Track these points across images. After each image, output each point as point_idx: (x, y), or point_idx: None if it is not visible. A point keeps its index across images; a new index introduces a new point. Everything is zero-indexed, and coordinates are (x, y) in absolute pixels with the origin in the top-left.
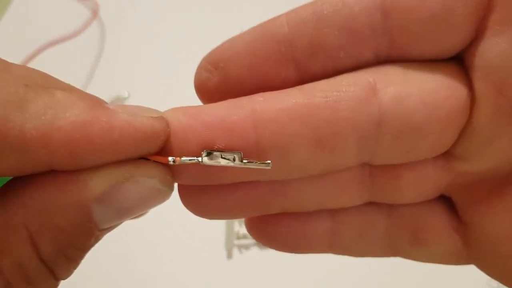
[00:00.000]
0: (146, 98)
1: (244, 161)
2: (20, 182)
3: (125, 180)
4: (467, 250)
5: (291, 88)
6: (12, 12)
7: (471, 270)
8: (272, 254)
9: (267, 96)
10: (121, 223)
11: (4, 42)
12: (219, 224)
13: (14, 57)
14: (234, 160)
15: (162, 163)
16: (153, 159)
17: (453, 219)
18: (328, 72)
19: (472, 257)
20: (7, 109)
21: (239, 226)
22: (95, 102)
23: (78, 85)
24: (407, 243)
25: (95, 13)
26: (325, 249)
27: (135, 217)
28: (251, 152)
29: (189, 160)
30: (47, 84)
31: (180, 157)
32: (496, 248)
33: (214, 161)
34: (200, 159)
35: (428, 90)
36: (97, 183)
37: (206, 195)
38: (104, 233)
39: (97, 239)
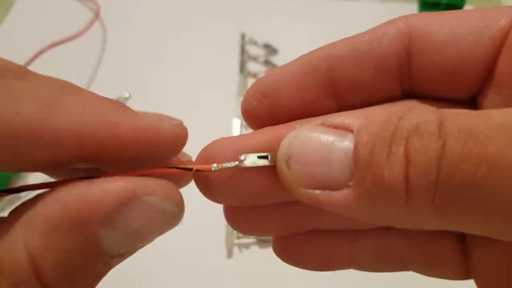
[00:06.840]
0: (148, 98)
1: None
2: (28, 201)
3: (127, 200)
4: (469, 272)
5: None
6: (14, 14)
7: None
8: (272, 253)
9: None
10: (134, 249)
11: (7, 43)
12: (219, 223)
13: (17, 58)
14: (268, 158)
15: (171, 181)
16: (196, 167)
17: (460, 245)
18: (363, 102)
19: (471, 277)
20: (43, 108)
21: None
22: (122, 105)
23: (80, 85)
24: (420, 264)
25: (97, 14)
26: (346, 267)
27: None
28: None
29: (230, 165)
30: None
31: (221, 163)
32: (489, 275)
33: (252, 162)
34: (238, 163)
35: None
36: (101, 203)
37: (248, 216)
38: (117, 261)
39: (107, 266)
